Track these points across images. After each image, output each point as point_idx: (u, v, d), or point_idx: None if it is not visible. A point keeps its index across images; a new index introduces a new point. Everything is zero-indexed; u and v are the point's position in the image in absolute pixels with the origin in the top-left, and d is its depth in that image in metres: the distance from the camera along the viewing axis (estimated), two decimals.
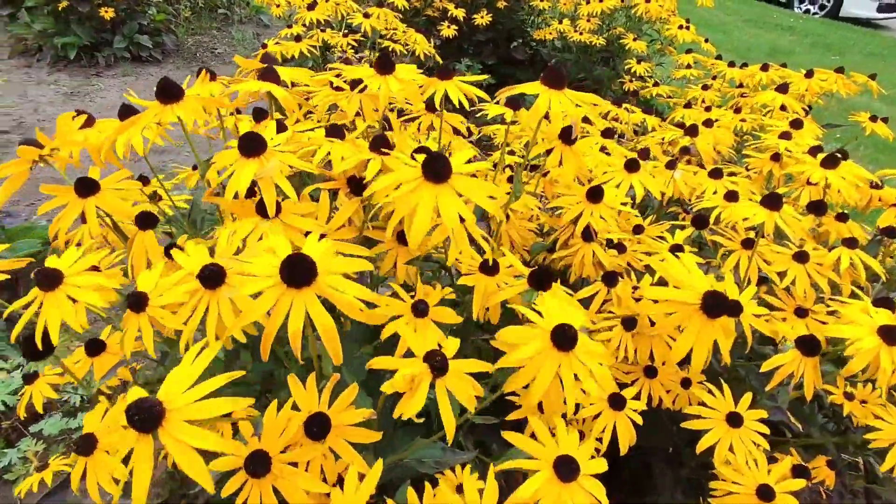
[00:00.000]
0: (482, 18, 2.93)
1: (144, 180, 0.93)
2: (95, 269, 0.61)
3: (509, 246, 0.85)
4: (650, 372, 0.83)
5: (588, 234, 0.82)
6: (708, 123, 1.14)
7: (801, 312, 0.84)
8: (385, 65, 0.66)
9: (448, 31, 2.66)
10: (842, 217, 0.97)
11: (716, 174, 0.97)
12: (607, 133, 1.06)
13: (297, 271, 0.42)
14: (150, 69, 3.30)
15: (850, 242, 0.83)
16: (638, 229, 0.98)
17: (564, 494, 0.45)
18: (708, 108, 1.55)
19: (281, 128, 0.68)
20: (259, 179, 0.54)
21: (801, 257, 0.83)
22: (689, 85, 1.75)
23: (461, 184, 0.49)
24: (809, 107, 1.61)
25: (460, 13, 2.70)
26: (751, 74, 1.63)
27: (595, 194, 0.74)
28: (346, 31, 1.81)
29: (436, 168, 0.48)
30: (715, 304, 0.52)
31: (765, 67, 1.61)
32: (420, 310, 0.58)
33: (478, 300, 0.58)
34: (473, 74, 3.17)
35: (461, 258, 0.60)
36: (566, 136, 0.65)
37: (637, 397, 0.81)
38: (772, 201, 0.74)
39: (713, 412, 0.73)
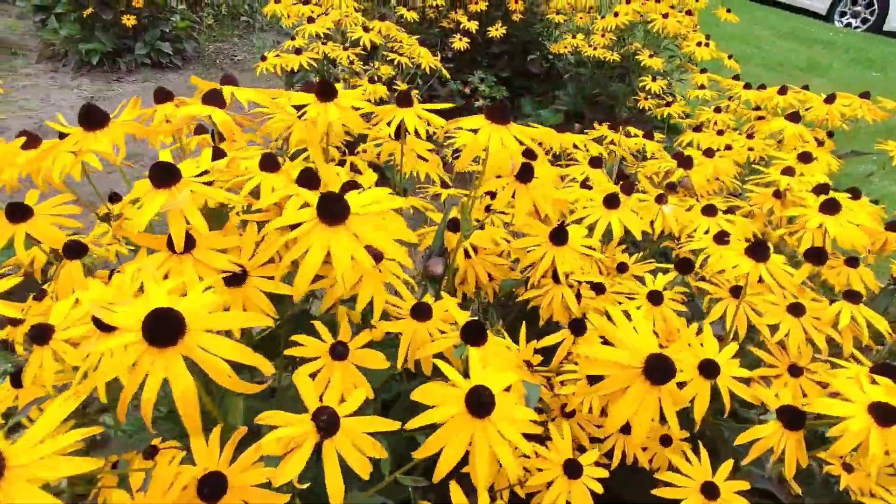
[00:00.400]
0: (496, 31, 2.88)
1: (115, 197, 0.90)
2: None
3: (474, 283, 0.79)
4: (624, 427, 0.76)
5: (558, 276, 0.76)
6: (709, 153, 1.06)
7: (795, 371, 0.75)
8: (325, 91, 0.61)
9: (459, 43, 2.62)
10: (851, 262, 0.88)
11: (709, 211, 0.89)
12: (595, 162, 0.99)
13: (161, 329, 0.37)
14: (169, 75, 3.35)
15: (853, 296, 0.74)
16: (622, 268, 0.91)
17: None
18: (720, 132, 1.46)
19: (220, 154, 0.64)
20: (167, 212, 0.50)
21: (797, 310, 0.75)
22: (701, 107, 1.66)
23: (360, 226, 0.43)
24: (830, 133, 1.51)
25: (473, 25, 2.65)
26: (768, 97, 1.53)
27: (559, 237, 0.67)
28: (347, 44, 1.78)
29: (330, 209, 0.42)
30: (659, 370, 0.45)
31: (782, 90, 1.51)
32: (338, 352, 0.52)
33: (403, 350, 0.53)
34: (487, 86, 3.12)
35: (391, 301, 0.54)
36: (522, 172, 0.59)
37: (609, 455, 0.74)
38: (757, 251, 0.66)
39: (687, 480, 0.66)
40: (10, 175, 0.66)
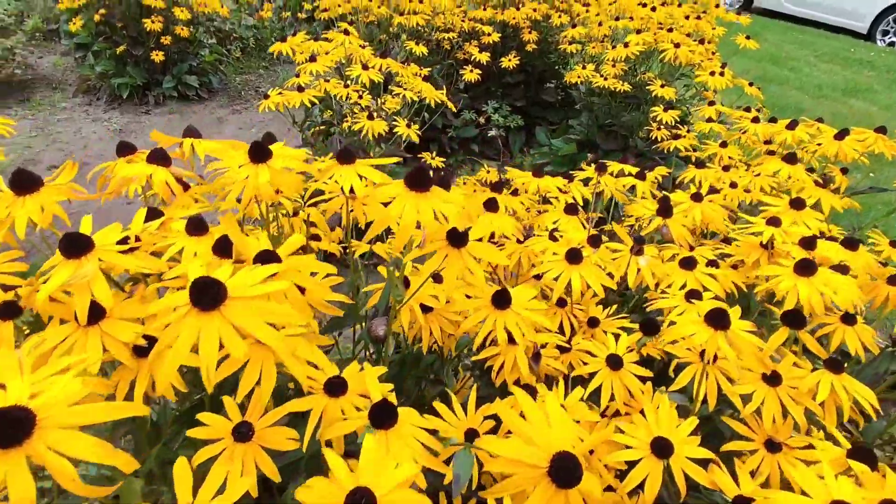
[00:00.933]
0: (509, 62, 2.88)
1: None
2: None
3: (428, 341, 0.76)
4: None
5: (513, 337, 0.72)
6: (697, 198, 1.01)
7: (772, 447, 0.69)
8: (258, 152, 0.60)
9: (470, 75, 2.63)
10: (848, 319, 0.81)
11: (688, 264, 0.84)
12: (570, 210, 0.96)
13: (3, 428, 0.35)
14: (194, 107, 3.48)
15: (834, 365, 0.67)
16: (593, 322, 0.86)
17: None
18: (726, 168, 1.40)
19: (157, 215, 0.64)
20: (72, 285, 0.49)
21: (773, 379, 0.68)
22: (706, 140, 1.60)
23: (237, 311, 0.41)
24: (845, 170, 1.43)
25: (484, 57, 2.65)
26: (776, 132, 1.46)
27: (500, 300, 0.63)
28: (349, 81, 1.80)
29: (202, 295, 0.40)
30: (565, 472, 0.41)
31: (792, 125, 1.43)
32: (241, 433, 0.50)
33: (311, 427, 0.50)
34: (501, 116, 3.10)
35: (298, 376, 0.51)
36: (453, 237, 0.56)
37: None
38: (716, 318, 0.61)
39: None
40: None
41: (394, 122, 1.82)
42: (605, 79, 2.36)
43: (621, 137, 2.66)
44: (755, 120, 1.59)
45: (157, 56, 3.18)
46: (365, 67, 1.72)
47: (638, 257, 0.86)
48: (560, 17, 2.83)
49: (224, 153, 0.73)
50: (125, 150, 0.74)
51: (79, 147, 2.92)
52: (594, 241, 0.81)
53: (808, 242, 0.80)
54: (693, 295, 0.74)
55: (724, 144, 1.55)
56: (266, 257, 0.52)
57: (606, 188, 1.15)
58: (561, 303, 0.87)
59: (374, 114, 1.77)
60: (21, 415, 0.35)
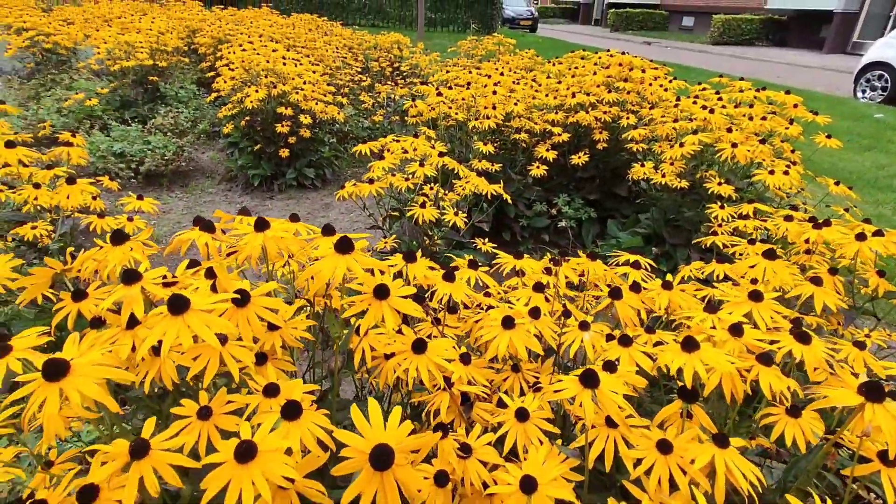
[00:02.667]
0: (579, 159, 3.08)
1: None
2: None
3: (383, 380, 0.92)
4: None
5: (450, 381, 0.86)
6: (667, 286, 1.08)
7: None
8: (259, 224, 0.85)
9: (537, 171, 2.85)
10: (793, 411, 0.83)
11: (625, 341, 0.93)
12: (538, 287, 1.09)
13: (50, 368, 0.59)
14: (309, 194, 4.09)
15: (720, 441, 0.72)
16: (536, 386, 0.97)
17: None
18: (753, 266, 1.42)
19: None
20: (122, 302, 0.75)
21: (664, 447, 0.74)
22: (737, 238, 1.62)
23: (192, 319, 0.63)
24: (881, 272, 1.38)
25: (551, 155, 2.88)
26: (798, 233, 1.46)
27: (417, 347, 0.79)
28: (408, 175, 2.12)
29: (173, 306, 0.63)
30: (380, 457, 0.55)
31: (820, 224, 1.43)
32: (203, 413, 0.70)
33: (247, 413, 0.68)
34: (573, 209, 3.25)
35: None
36: (378, 291, 0.74)
37: None
38: (587, 379, 0.71)
39: None
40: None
41: (443, 211, 2.07)
42: (664, 176, 2.45)
43: (686, 231, 2.67)
44: (788, 218, 1.60)
45: (284, 153, 3.87)
46: (421, 164, 2.02)
47: (583, 332, 0.96)
48: (628, 118, 3.00)
49: (239, 227, 1.00)
50: (198, 222, 1.04)
51: None
52: (534, 313, 0.93)
53: (734, 329, 0.85)
54: (608, 366, 0.83)
55: (751, 242, 1.57)
56: (239, 292, 0.74)
57: (591, 273, 1.26)
58: (515, 368, 0.99)
59: (428, 203, 2.05)
60: (62, 363, 0.59)
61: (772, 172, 2.14)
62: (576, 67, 3.54)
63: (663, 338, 0.98)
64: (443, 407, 0.82)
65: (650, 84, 3.07)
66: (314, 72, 4.19)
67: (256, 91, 3.59)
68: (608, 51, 3.58)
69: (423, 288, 0.95)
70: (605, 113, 3.06)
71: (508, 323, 0.89)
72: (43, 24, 5.96)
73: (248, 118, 3.85)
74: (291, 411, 0.65)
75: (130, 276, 0.77)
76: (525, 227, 3.31)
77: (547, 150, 2.91)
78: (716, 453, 0.71)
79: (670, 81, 3.23)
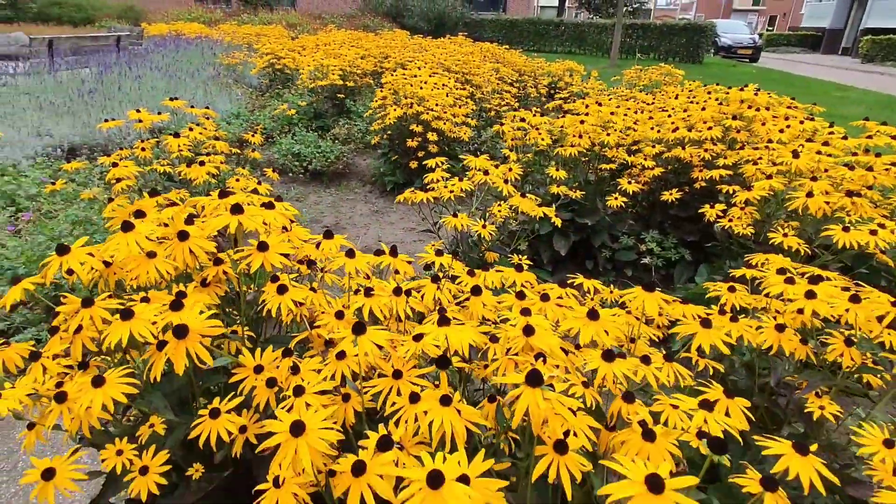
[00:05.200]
0: (670, 196, 2.95)
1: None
2: None
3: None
4: None
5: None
6: (608, 356, 1.17)
7: None
8: (234, 209, 1.24)
9: (614, 202, 2.84)
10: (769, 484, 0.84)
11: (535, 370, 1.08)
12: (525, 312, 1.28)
13: (179, 332, 1.04)
14: None
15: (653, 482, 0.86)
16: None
17: None
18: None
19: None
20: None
21: (559, 447, 0.87)
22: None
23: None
24: None
25: (633, 188, 2.84)
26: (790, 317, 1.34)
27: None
28: (452, 188, 2.37)
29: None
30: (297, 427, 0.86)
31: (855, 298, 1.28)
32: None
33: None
34: (665, 247, 3.14)
35: None
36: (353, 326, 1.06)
37: None
38: (532, 377, 0.91)
39: None
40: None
41: (472, 223, 2.28)
42: (731, 220, 2.28)
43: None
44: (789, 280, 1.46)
45: (413, 164, 4.41)
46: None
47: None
48: (725, 157, 2.80)
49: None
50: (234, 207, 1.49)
51: (346, 216, 4.26)
52: (493, 339, 1.12)
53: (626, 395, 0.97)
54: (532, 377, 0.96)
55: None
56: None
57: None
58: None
59: (462, 216, 2.28)
60: (186, 326, 1.03)
61: (846, 229, 1.87)
62: (691, 102, 3.37)
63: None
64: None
65: (763, 123, 2.80)
66: (448, 95, 4.67)
67: (394, 110, 4.18)
68: (839, 84, 3.31)
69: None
70: (706, 150, 2.89)
71: (442, 364, 1.10)
72: (277, 50, 7.60)
73: (389, 133, 4.48)
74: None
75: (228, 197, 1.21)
76: (609, 258, 3.27)
77: (629, 182, 2.88)
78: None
79: (802, 122, 2.89)
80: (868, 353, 1.38)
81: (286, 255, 1.13)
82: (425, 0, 19.36)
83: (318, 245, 1.31)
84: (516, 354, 1.01)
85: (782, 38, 37.31)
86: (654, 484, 0.67)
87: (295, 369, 1.05)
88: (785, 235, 2.06)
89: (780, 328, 1.26)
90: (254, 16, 14.90)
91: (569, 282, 1.46)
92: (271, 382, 1.06)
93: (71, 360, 1.05)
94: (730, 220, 2.28)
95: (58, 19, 14.02)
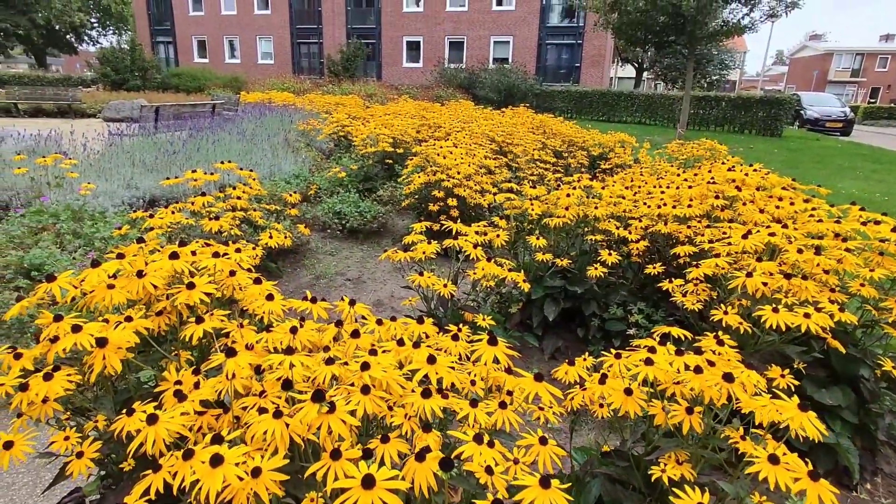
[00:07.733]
0: (654, 269, 3.03)
1: None
2: None
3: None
4: None
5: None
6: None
7: None
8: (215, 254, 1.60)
9: (595, 272, 2.97)
10: None
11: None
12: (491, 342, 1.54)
13: (101, 343, 1.42)
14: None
15: (543, 483, 1.10)
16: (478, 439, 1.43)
17: None
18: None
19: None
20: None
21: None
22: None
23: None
24: None
25: (612, 258, 2.96)
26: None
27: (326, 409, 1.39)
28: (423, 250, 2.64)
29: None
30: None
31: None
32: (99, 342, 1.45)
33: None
34: (652, 322, 3.18)
35: None
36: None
37: None
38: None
39: None
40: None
41: (436, 282, 2.52)
42: (685, 296, 2.35)
43: None
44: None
45: (435, 226, 4.74)
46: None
47: None
48: (702, 235, 2.86)
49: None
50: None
51: (369, 271, 4.63)
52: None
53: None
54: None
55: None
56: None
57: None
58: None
59: (428, 274, 2.53)
60: (105, 339, 1.40)
61: (776, 310, 1.93)
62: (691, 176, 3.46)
63: None
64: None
65: (744, 203, 2.86)
66: (470, 165, 5.03)
67: (418, 176, 4.59)
68: None
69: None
70: (689, 227, 2.97)
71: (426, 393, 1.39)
72: (342, 119, 8.45)
73: (416, 197, 4.88)
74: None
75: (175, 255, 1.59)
76: (599, 326, 3.35)
77: (609, 254, 3.00)
78: None
79: (791, 203, 2.92)
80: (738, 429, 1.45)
81: (209, 294, 1.44)
82: (497, 73, 20.50)
83: (231, 273, 1.61)
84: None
85: (883, 110, 35.17)
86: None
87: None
88: (725, 313, 2.12)
89: (628, 392, 1.38)
90: (336, 87, 16.56)
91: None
92: (179, 393, 1.34)
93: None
94: (683, 296, 2.35)
95: (175, 88, 16.33)
